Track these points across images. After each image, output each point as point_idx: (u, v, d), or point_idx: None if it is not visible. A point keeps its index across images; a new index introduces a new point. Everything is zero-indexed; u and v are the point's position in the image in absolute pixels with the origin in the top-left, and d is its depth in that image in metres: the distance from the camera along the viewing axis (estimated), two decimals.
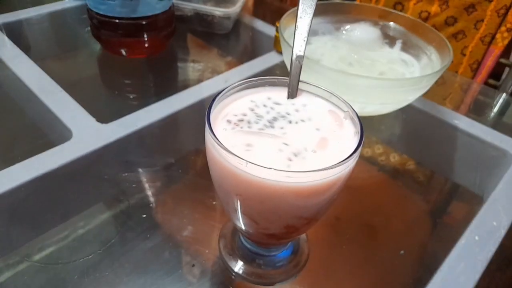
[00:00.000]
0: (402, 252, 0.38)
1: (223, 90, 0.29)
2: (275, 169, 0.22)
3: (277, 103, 0.30)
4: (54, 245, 0.35)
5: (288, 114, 0.29)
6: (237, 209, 0.27)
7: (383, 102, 0.46)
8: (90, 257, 0.34)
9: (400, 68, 0.52)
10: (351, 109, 0.28)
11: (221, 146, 0.24)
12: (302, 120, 0.28)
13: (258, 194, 0.24)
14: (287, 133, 0.27)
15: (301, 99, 0.30)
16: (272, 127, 0.27)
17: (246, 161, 0.23)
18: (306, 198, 0.24)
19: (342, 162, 0.23)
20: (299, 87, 0.30)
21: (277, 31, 0.64)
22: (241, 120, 0.28)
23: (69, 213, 0.39)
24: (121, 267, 0.34)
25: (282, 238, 0.32)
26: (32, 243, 0.35)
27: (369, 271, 0.36)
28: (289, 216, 0.26)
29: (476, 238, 0.39)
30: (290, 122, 0.28)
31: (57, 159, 0.42)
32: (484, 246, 0.38)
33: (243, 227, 0.30)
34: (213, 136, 0.24)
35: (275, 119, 0.28)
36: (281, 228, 0.28)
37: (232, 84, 0.29)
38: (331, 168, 0.23)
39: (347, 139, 0.27)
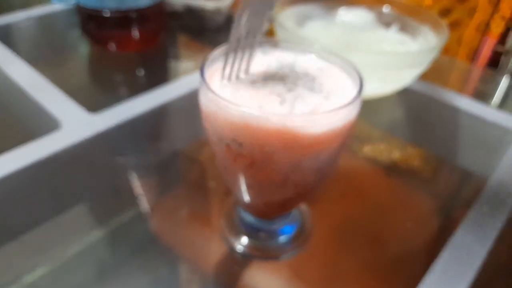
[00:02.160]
0: (408, 224, 0.36)
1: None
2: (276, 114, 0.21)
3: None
4: (48, 230, 0.33)
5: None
6: (239, 172, 0.26)
7: (383, 80, 0.45)
8: (84, 240, 0.32)
9: (397, 48, 0.51)
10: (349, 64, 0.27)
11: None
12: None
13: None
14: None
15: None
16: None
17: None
18: (306, 147, 0.23)
19: (342, 107, 0.22)
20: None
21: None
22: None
23: (62, 202, 0.37)
24: (117, 249, 0.32)
25: (284, 205, 0.30)
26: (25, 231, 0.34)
27: (377, 244, 0.34)
28: (289, 168, 0.24)
29: (485, 209, 0.38)
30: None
31: (46, 149, 0.40)
32: (494, 216, 0.37)
33: (244, 197, 0.28)
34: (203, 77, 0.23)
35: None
36: (283, 189, 0.26)
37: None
38: (330, 112, 0.22)
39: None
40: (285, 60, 0.28)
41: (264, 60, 0.28)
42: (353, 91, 0.25)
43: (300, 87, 0.25)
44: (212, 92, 0.23)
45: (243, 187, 0.27)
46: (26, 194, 0.37)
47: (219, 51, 0.27)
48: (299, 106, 0.23)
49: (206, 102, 0.24)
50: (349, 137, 0.26)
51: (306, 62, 0.28)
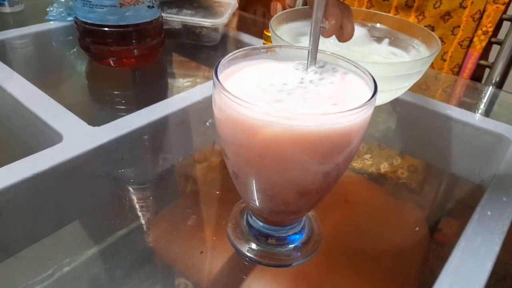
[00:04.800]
0: (417, 228, 0.36)
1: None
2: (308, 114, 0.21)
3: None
4: (47, 244, 0.33)
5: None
6: (255, 171, 0.26)
7: (379, 90, 0.46)
8: (88, 251, 0.31)
9: (392, 60, 0.52)
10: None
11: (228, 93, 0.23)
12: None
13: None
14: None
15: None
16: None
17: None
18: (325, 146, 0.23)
19: (360, 107, 0.23)
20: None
21: (265, 39, 0.65)
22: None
23: (62, 214, 0.36)
24: (123, 258, 0.31)
25: (295, 211, 0.30)
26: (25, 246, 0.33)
27: (386, 249, 0.34)
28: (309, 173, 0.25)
29: (489, 213, 0.38)
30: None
31: (48, 160, 0.39)
32: (498, 219, 0.37)
33: (256, 202, 0.28)
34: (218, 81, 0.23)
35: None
36: (294, 192, 0.27)
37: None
38: (347, 112, 0.22)
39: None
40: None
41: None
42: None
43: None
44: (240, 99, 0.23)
45: (259, 191, 0.27)
46: (27, 206, 0.36)
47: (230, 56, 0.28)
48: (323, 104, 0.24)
49: (222, 105, 0.24)
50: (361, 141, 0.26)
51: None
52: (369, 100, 0.24)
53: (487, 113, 0.59)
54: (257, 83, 0.27)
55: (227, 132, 0.26)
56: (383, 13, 0.60)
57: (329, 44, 0.54)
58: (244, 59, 0.30)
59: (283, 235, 0.33)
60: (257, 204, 0.29)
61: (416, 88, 0.52)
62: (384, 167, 0.45)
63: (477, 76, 0.81)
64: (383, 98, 0.49)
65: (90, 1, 0.50)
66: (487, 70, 0.79)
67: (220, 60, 0.26)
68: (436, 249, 0.37)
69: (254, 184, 0.27)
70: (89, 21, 0.53)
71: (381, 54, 0.53)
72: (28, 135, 0.46)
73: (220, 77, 0.26)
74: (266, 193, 0.28)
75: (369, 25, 0.59)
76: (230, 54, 0.28)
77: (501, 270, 0.34)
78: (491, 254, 0.34)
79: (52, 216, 0.36)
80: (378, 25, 0.59)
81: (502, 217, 0.38)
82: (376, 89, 0.25)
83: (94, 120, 0.46)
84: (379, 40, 0.57)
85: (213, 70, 0.25)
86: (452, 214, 0.42)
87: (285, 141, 0.23)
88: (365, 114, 0.24)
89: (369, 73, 0.27)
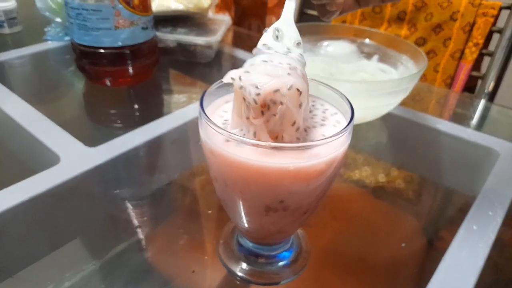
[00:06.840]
0: (403, 244, 0.37)
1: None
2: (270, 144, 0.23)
3: None
4: (45, 264, 0.34)
5: None
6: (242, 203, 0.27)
7: (368, 107, 0.48)
8: (84, 270, 0.32)
9: (380, 76, 0.54)
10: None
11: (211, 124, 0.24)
12: None
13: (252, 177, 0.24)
14: None
15: None
16: None
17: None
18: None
19: (339, 132, 0.24)
20: None
21: None
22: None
23: (60, 235, 0.37)
24: (117, 279, 0.32)
25: (282, 230, 0.31)
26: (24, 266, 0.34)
27: (373, 265, 0.35)
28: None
29: (475, 227, 0.39)
30: None
31: (46, 182, 0.41)
32: (483, 234, 0.38)
33: (245, 225, 0.29)
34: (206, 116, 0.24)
35: None
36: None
37: None
38: (328, 138, 0.23)
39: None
40: None
41: None
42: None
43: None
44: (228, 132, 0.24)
45: (245, 216, 0.28)
46: (25, 227, 0.37)
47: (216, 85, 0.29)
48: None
49: (209, 138, 0.25)
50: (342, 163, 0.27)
51: None
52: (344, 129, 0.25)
53: (477, 126, 0.60)
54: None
55: (209, 158, 0.27)
56: (372, 29, 0.61)
57: (320, 61, 0.56)
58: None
59: (272, 253, 0.34)
60: (246, 227, 0.30)
61: (410, 100, 0.53)
62: (375, 180, 0.46)
63: (470, 86, 0.83)
64: (372, 114, 0.50)
65: (86, 25, 0.52)
66: (479, 81, 0.80)
67: (206, 90, 0.28)
68: (425, 262, 0.37)
69: (239, 208, 0.28)
70: (85, 44, 0.54)
71: (369, 71, 0.55)
72: (25, 156, 0.48)
73: (205, 105, 0.27)
74: (250, 216, 0.29)
75: (358, 41, 0.60)
76: (216, 82, 0.29)
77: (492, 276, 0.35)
78: (475, 269, 0.35)
79: (49, 237, 0.37)
80: (367, 40, 0.60)
81: (488, 232, 0.39)
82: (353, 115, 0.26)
83: (91, 139, 0.47)
84: (368, 56, 0.58)
85: (199, 101, 0.26)
86: (443, 227, 0.43)
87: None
88: (344, 145, 0.25)
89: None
